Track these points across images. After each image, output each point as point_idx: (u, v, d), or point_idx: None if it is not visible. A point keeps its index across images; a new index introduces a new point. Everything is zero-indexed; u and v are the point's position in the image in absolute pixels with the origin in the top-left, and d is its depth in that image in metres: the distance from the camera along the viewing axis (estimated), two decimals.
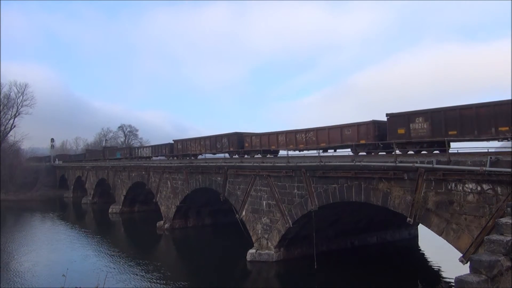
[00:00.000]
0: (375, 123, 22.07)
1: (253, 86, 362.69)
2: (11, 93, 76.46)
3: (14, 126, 77.32)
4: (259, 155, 30.70)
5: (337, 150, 24.81)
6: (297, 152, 28.42)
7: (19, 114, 77.16)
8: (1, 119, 75.21)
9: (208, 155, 38.32)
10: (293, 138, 27.58)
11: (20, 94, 76.96)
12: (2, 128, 75.47)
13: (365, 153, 22.61)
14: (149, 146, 53.68)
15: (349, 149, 23.55)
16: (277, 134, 29.28)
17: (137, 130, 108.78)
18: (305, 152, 29.33)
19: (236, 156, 32.84)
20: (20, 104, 77.05)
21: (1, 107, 75.17)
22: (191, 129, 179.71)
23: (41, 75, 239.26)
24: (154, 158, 50.72)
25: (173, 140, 44.64)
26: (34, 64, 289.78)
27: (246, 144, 32.52)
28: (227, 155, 34.99)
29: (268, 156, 29.20)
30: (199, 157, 39.98)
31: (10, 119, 76.84)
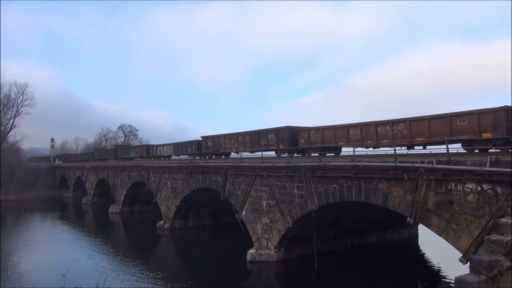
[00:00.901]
0: (507, 110, 16.71)
1: (253, 86, 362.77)
2: (11, 93, 76.63)
3: (14, 126, 77.47)
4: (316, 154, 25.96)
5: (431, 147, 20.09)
6: (367, 150, 23.78)
7: (19, 114, 77.31)
8: (1, 119, 75.26)
9: (246, 154, 33.03)
10: (373, 131, 22.49)
11: (20, 94, 77.12)
12: (2, 128, 75.50)
13: (498, 149, 16.86)
14: (170, 144, 47.21)
15: (460, 145, 18.47)
16: (347, 127, 24.13)
17: (137, 130, 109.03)
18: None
19: (285, 154, 28.45)
20: (20, 104, 77.21)
21: (1, 107, 75.22)
22: (190, 129, 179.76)
23: (41, 75, 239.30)
24: (174, 157, 46.44)
25: (201, 137, 39.55)
26: (33, 64, 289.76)
27: (302, 140, 27.22)
28: (273, 153, 29.93)
29: (330, 155, 25.07)
30: (232, 155, 35.18)
31: (10, 119, 76.97)
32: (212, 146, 37.05)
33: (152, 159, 50.58)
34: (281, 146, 28.84)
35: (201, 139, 39.58)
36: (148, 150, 53.49)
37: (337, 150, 25.98)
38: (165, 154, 48.20)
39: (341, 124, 24.81)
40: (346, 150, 25.59)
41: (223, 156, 35.69)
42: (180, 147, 44.39)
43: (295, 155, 28.18)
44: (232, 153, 35.36)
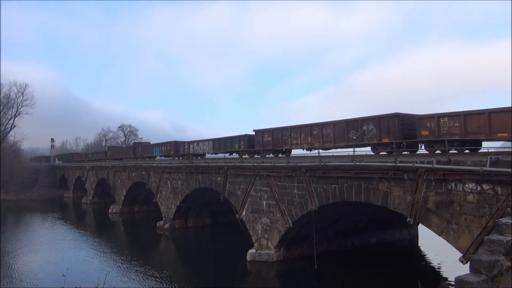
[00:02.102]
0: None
1: (254, 86, 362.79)
2: (11, 93, 76.61)
3: (14, 126, 77.39)
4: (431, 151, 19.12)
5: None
6: (303, 152, 25.92)
7: (19, 114, 77.24)
8: (1, 119, 75.23)
9: (322, 151, 24.01)
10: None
11: (20, 94, 77.07)
12: (2, 128, 75.46)
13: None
14: (208, 140, 38.98)
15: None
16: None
17: (137, 130, 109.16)
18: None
19: (384, 152, 21.28)
20: (20, 104, 77.17)
21: (1, 107, 75.21)
22: (190, 129, 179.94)
23: (40, 75, 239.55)
24: (209, 155, 39.52)
25: (254, 130, 31.38)
26: (33, 64, 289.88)
27: (425, 132, 18.94)
28: (367, 149, 22.73)
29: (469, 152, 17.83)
30: (295, 152, 28.48)
31: (10, 119, 76.90)
32: (270, 142, 29.52)
33: (181, 158, 43.03)
34: (385, 140, 20.94)
35: (253, 133, 31.61)
36: (178, 148, 45.13)
37: (477, 144, 17.86)
38: (200, 152, 40.28)
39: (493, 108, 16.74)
40: None
41: (281, 154, 29.24)
42: (222, 143, 36.04)
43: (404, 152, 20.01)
44: (290, 150, 28.57)
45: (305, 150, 27.10)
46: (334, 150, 25.15)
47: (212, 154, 38.28)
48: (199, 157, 40.32)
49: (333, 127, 24.62)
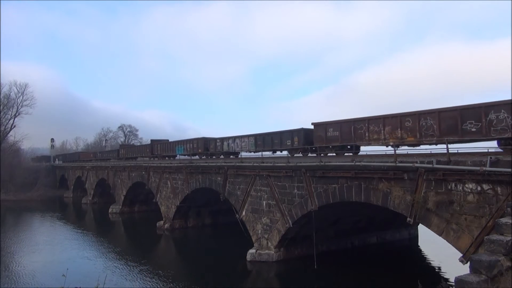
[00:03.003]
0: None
1: (254, 85, 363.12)
2: (11, 93, 76.66)
3: (14, 126, 77.47)
4: None
5: None
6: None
7: (19, 114, 77.35)
8: (1, 119, 75.26)
9: (403, 148, 20.35)
10: None
11: (20, 94, 77.18)
12: (2, 128, 75.51)
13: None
14: (249, 136, 31.58)
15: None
16: None
17: (137, 130, 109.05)
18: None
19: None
20: (20, 104, 77.27)
21: (1, 107, 75.24)
22: (190, 129, 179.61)
23: (40, 75, 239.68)
24: (245, 154, 32.70)
25: (313, 124, 25.25)
26: (33, 64, 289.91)
27: None
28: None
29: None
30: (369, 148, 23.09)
31: (10, 119, 76.99)
32: (337, 137, 23.30)
33: (214, 157, 36.41)
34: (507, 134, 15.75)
35: (313, 127, 25.30)
36: (208, 145, 38.28)
37: None
38: (237, 149, 33.35)
39: None
40: None
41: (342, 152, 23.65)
42: (268, 139, 29.31)
43: None
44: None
45: (388, 146, 21.08)
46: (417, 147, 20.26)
47: (253, 152, 31.19)
48: (232, 156, 34.01)
49: (438, 117, 18.70)
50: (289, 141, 27.52)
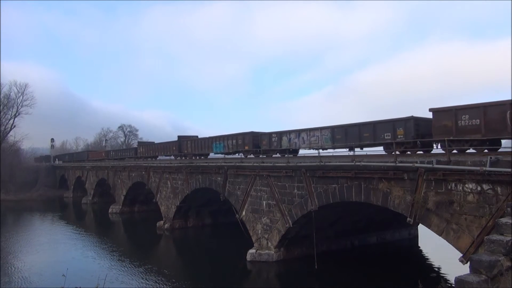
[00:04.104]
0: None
1: (254, 85, 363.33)
2: (11, 93, 76.65)
3: (14, 126, 77.44)
4: None
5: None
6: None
7: (19, 114, 77.31)
8: (1, 119, 75.27)
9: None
10: None
11: (20, 94, 77.14)
12: (2, 128, 75.51)
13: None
14: (323, 128, 24.71)
15: None
16: None
17: (137, 130, 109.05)
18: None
19: None
20: (20, 104, 77.23)
21: (1, 107, 75.24)
22: (190, 129, 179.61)
23: (40, 75, 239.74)
24: (304, 151, 26.95)
25: (431, 110, 17.94)
26: (32, 64, 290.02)
27: None
28: None
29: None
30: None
31: (10, 119, 76.97)
32: (478, 127, 16.32)
33: (265, 156, 29.35)
34: None
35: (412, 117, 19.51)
36: (258, 141, 30.95)
37: None
38: (304, 146, 26.44)
39: None
40: None
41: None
42: (354, 132, 22.71)
43: None
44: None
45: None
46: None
47: (330, 148, 24.54)
48: (290, 155, 27.11)
49: None
50: (388, 134, 20.95)
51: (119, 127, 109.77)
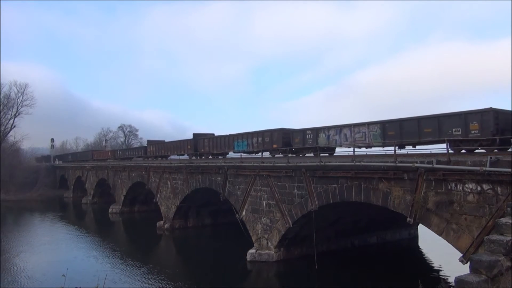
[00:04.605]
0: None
1: (254, 85, 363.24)
2: (11, 93, 76.68)
3: (14, 126, 77.48)
4: None
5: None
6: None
7: (19, 114, 77.36)
8: (1, 119, 75.28)
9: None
10: None
11: (20, 94, 77.20)
12: (2, 128, 75.53)
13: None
14: (371, 124, 21.95)
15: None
16: None
17: (137, 130, 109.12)
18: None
19: None
20: (20, 104, 77.29)
21: (1, 107, 75.25)
22: (190, 129, 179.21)
23: (40, 75, 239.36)
24: (341, 150, 24.93)
25: (492, 109, 16.31)
26: (32, 64, 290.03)
27: None
28: None
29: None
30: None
31: (10, 119, 77.00)
32: None
33: (299, 155, 26.91)
34: None
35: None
36: (289, 139, 27.80)
37: None
38: (344, 143, 23.62)
39: None
40: None
41: None
42: (411, 126, 19.82)
43: None
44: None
45: None
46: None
47: (379, 146, 21.99)
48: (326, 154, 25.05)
49: None
50: (458, 129, 17.54)
51: (119, 127, 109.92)
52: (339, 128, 23.97)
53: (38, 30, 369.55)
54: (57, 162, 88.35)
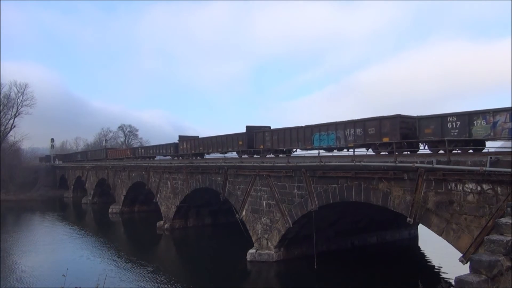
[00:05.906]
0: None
1: (255, 85, 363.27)
2: (11, 93, 76.68)
3: (14, 126, 77.49)
4: None
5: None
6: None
7: (19, 114, 77.39)
8: (1, 119, 75.29)
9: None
10: None
11: (20, 94, 77.23)
12: (2, 128, 75.56)
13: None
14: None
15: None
16: None
17: (137, 130, 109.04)
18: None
19: None
20: (20, 104, 77.32)
21: (1, 107, 75.26)
22: (190, 129, 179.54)
23: (40, 75, 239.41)
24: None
25: None
26: (32, 64, 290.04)
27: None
28: None
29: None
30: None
31: (10, 119, 77.01)
32: None
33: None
34: None
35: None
36: (407, 127, 20.35)
37: None
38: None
39: None
40: None
41: None
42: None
43: None
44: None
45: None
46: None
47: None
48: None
49: None
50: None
51: (119, 127, 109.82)
52: (458, 116, 17.66)
53: (38, 29, 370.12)
54: (57, 162, 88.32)
